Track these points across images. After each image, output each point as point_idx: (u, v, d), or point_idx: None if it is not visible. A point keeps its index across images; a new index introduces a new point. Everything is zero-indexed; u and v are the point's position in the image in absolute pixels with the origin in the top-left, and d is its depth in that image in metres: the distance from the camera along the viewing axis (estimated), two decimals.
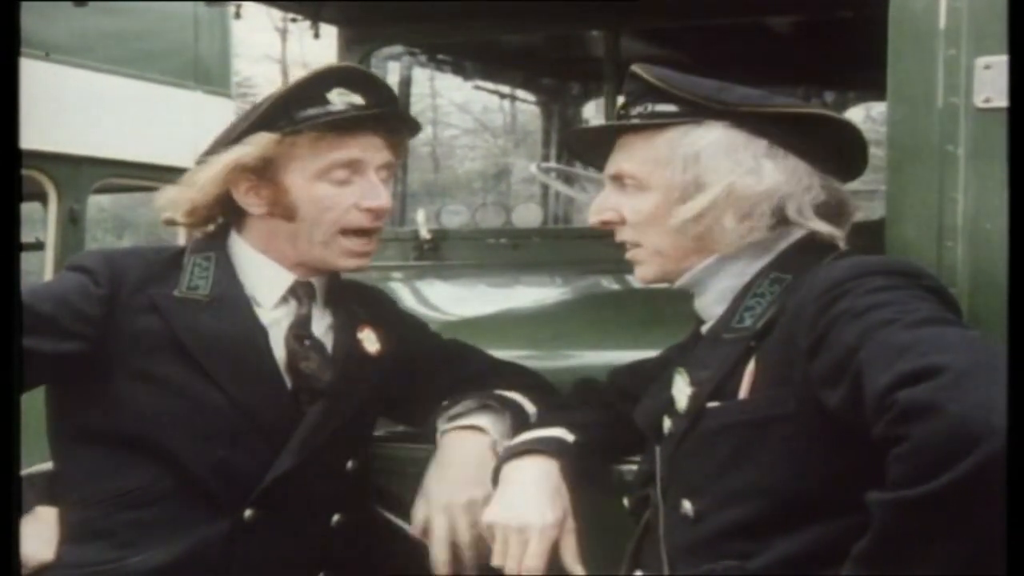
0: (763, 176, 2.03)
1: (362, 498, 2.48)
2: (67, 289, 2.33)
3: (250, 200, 2.41)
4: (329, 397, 2.40)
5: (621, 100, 2.18)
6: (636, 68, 2.14)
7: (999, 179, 1.98)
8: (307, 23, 3.85)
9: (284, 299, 2.45)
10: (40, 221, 5.44)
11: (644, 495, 2.12)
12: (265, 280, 2.45)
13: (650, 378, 2.27)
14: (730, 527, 1.90)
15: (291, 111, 2.37)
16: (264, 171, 2.38)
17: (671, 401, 2.05)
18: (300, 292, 2.47)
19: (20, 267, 1.95)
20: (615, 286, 3.54)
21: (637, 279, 2.19)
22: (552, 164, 4.92)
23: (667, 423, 2.07)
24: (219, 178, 2.38)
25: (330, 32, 3.91)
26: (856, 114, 5.41)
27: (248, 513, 2.29)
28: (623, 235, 2.15)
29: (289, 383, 2.39)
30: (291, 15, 4.06)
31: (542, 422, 2.34)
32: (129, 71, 5.80)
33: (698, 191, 2.04)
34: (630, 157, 2.12)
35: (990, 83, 1.99)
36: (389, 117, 2.46)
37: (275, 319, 2.43)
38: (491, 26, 3.80)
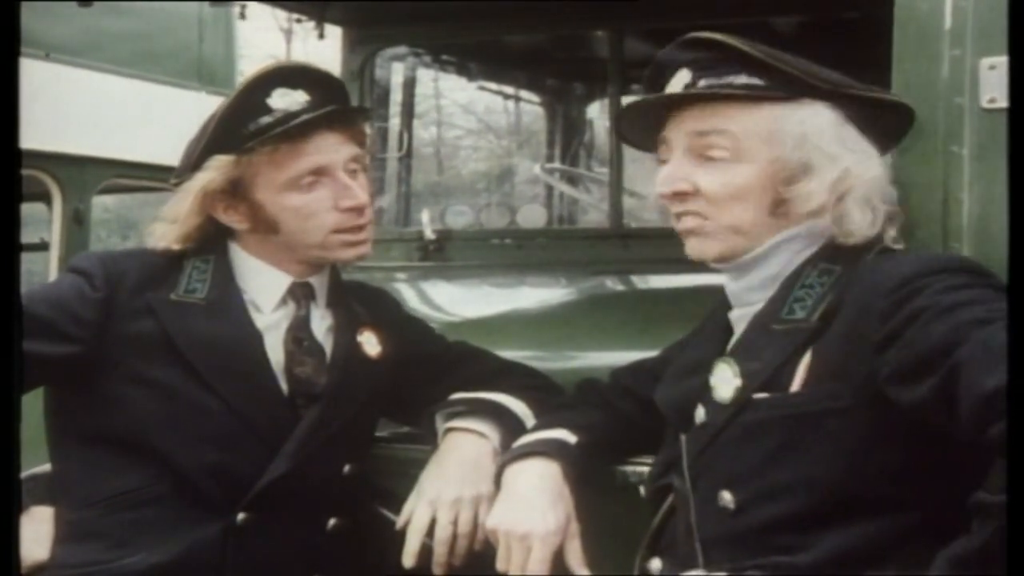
0: (872, 162, 1.99)
1: (360, 501, 2.47)
2: (64, 292, 2.34)
3: (231, 218, 2.41)
4: (325, 401, 2.39)
5: (683, 70, 2.06)
6: (713, 36, 2.05)
7: (1004, 180, 1.97)
8: (312, 24, 3.86)
9: (283, 301, 2.44)
10: (44, 221, 5.44)
11: (666, 484, 2.09)
12: (263, 284, 2.43)
13: (654, 376, 2.26)
14: (774, 520, 1.88)
15: (239, 126, 2.34)
16: (234, 190, 2.36)
17: (706, 389, 2.02)
18: (298, 293, 2.46)
19: (20, 268, 1.94)
20: (620, 287, 3.54)
21: (694, 254, 2.06)
22: (556, 165, 4.92)
23: (700, 412, 2.03)
24: (194, 209, 2.37)
25: (335, 33, 3.91)
26: None
27: (241, 516, 2.30)
28: (691, 207, 2.04)
29: (285, 387, 2.39)
30: (296, 16, 4.08)
31: (544, 423, 2.33)
32: (133, 71, 5.79)
33: (805, 172, 1.97)
34: (723, 129, 2.01)
35: (995, 84, 1.99)
36: (336, 114, 2.40)
37: (275, 322, 2.42)
38: (495, 27, 3.80)
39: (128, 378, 2.32)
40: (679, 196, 2.04)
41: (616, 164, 3.71)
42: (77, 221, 5.37)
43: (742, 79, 2.01)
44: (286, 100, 2.35)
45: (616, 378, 2.42)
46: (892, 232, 2.02)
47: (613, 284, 3.51)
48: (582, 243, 3.67)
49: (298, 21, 4.01)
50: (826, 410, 1.86)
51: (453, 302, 3.48)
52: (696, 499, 1.99)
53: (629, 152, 3.56)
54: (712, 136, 2.01)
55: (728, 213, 2.01)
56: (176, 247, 2.42)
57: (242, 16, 4.31)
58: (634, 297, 3.56)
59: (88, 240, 5.52)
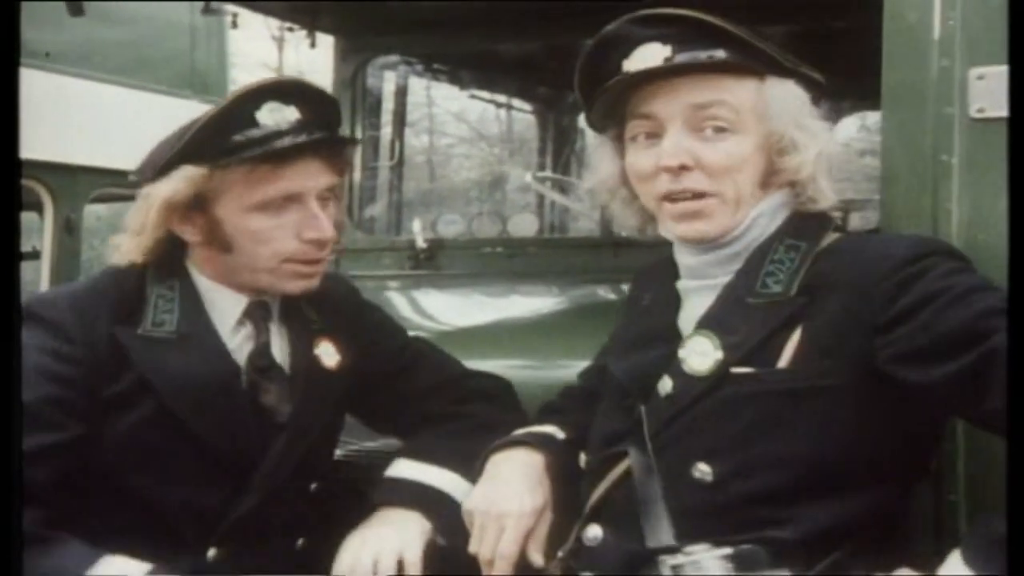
0: (833, 137, 2.08)
1: (328, 515, 2.41)
2: (43, 375, 2.17)
3: (185, 229, 2.29)
4: (291, 431, 2.32)
5: (653, 44, 2.03)
6: (689, 12, 2.04)
7: (993, 189, 1.99)
8: (304, 32, 3.86)
9: (240, 323, 2.35)
10: (36, 230, 5.44)
11: (615, 454, 2.09)
12: (220, 307, 2.34)
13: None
14: (756, 494, 1.91)
15: (221, 136, 2.22)
16: (196, 203, 2.24)
17: (674, 360, 2.03)
18: (256, 315, 2.37)
19: (20, 274, 1.90)
20: (611, 295, 3.54)
21: (697, 235, 2.06)
22: (548, 173, 4.93)
23: (667, 383, 2.03)
24: (158, 221, 2.25)
25: (327, 41, 3.92)
26: (851, 123, 5.42)
27: (212, 552, 2.25)
28: (688, 182, 2.02)
29: (250, 412, 2.31)
30: (288, 24, 4.08)
31: (536, 421, 2.34)
32: (126, 80, 5.79)
33: (794, 144, 2.02)
34: (723, 100, 2.02)
35: (984, 93, 2.00)
36: (324, 142, 2.29)
37: (235, 347, 2.33)
38: (487, 35, 3.81)
39: (102, 415, 2.22)
40: (683, 169, 2.02)
41: None
42: (68, 230, 5.37)
43: (721, 53, 2.02)
44: (275, 116, 2.23)
45: (584, 380, 2.43)
46: (862, 215, 2.07)
47: (604, 292, 3.51)
48: (573, 251, 3.68)
49: (290, 30, 4.01)
50: (817, 387, 1.90)
51: (444, 311, 3.48)
52: (663, 471, 2.00)
53: None
54: (713, 108, 2.02)
55: (730, 184, 2.02)
56: (140, 260, 2.32)
57: (234, 25, 4.32)
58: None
59: (79, 249, 5.51)
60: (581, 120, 5.21)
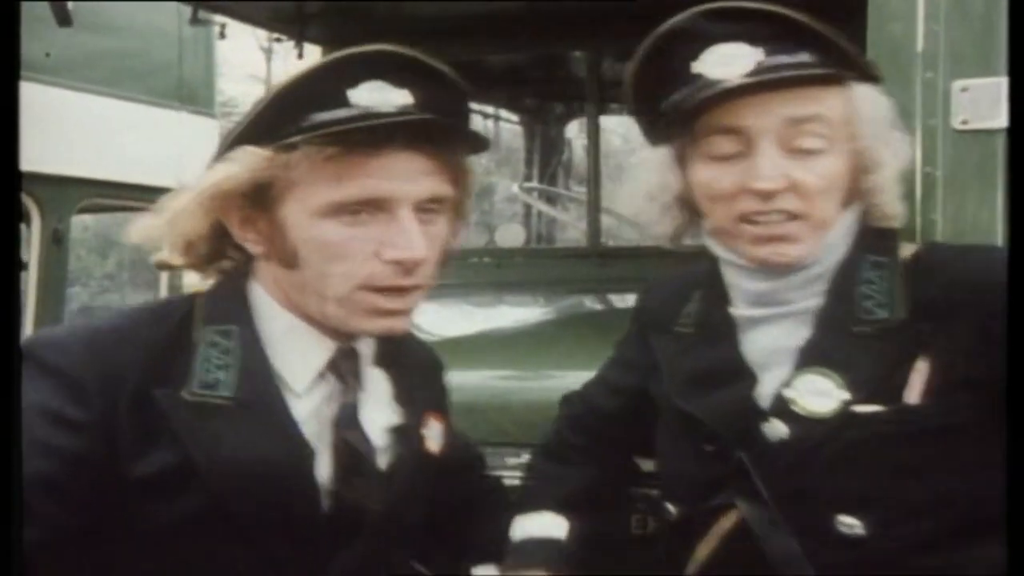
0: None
1: None
2: (37, 447, 1.53)
3: (246, 235, 1.70)
4: (375, 535, 1.74)
5: (738, 44, 1.76)
6: (769, 7, 1.77)
7: (977, 200, 2.00)
8: (291, 43, 3.87)
9: (321, 376, 1.73)
10: (24, 241, 5.42)
11: (719, 505, 1.84)
12: (296, 350, 1.72)
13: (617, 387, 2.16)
14: (921, 543, 1.73)
15: (296, 114, 1.63)
16: (258, 197, 1.65)
17: (777, 401, 1.79)
18: (344, 367, 1.75)
19: (20, 278, 1.84)
20: (597, 305, 3.56)
21: (781, 260, 1.81)
22: (535, 184, 4.95)
23: (779, 427, 1.79)
24: (197, 208, 1.67)
25: (314, 52, 3.92)
26: None
27: None
28: (781, 204, 1.77)
29: (325, 507, 1.70)
30: (276, 35, 4.09)
31: (533, 499, 2.11)
32: (113, 91, 5.79)
33: (876, 163, 1.82)
34: (821, 115, 1.78)
35: (967, 105, 2.01)
36: (432, 127, 1.67)
37: (311, 411, 1.71)
38: (475, 46, 3.82)
39: (126, 508, 1.62)
40: (779, 193, 1.78)
41: (594, 183, 3.73)
42: (56, 241, 5.36)
43: (805, 56, 1.78)
44: (375, 97, 1.64)
45: (596, 396, 2.24)
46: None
47: (591, 303, 3.52)
48: (560, 262, 3.69)
49: (278, 40, 4.02)
50: (961, 423, 1.73)
51: (432, 321, 3.48)
52: (794, 525, 1.77)
53: (607, 171, 3.58)
54: (812, 123, 1.77)
55: (821, 208, 1.79)
56: (175, 261, 1.76)
57: (222, 35, 4.33)
58: (612, 315, 3.57)
59: (67, 260, 5.50)
60: (568, 131, 5.24)
